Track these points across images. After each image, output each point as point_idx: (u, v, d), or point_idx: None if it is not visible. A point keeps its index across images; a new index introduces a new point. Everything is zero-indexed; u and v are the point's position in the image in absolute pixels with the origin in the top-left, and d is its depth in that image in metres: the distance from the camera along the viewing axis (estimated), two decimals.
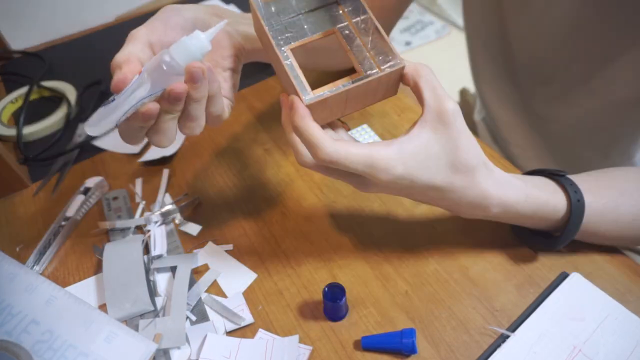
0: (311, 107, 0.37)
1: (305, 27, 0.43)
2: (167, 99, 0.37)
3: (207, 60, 0.44)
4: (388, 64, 0.39)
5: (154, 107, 0.37)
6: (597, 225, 0.44)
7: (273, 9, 0.42)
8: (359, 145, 0.37)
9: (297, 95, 0.37)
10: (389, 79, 0.39)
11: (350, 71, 0.41)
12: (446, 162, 0.39)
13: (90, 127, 0.38)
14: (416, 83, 0.39)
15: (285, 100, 0.39)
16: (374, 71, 0.39)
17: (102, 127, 0.38)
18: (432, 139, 0.38)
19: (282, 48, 0.41)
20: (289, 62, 0.41)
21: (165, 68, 0.37)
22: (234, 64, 0.45)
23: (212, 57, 0.44)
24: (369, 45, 0.41)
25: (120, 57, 0.38)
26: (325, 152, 0.36)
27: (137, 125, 0.39)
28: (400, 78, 0.40)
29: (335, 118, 0.41)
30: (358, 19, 0.42)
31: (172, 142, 0.41)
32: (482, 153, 0.40)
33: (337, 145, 0.36)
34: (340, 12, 0.43)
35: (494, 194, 0.41)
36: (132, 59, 0.38)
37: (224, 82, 0.44)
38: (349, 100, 0.39)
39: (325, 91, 0.39)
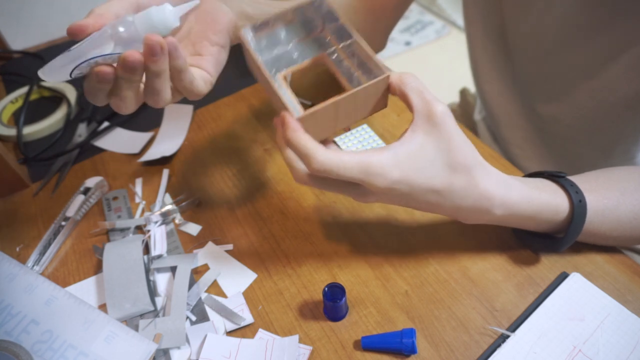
0: (302, 121, 0.38)
1: (295, 55, 0.45)
2: (121, 66, 0.36)
3: (198, 33, 0.43)
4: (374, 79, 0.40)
5: (108, 70, 0.36)
6: (599, 225, 0.44)
7: (264, 42, 0.44)
8: (352, 153, 0.37)
9: (288, 111, 0.38)
10: (375, 90, 0.40)
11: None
12: (442, 163, 0.39)
13: (45, 73, 0.36)
14: (402, 91, 0.40)
15: (278, 120, 0.39)
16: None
17: (56, 76, 0.36)
18: (425, 142, 0.38)
19: (275, 77, 0.42)
20: (283, 89, 0.42)
21: (122, 30, 0.35)
22: (223, 40, 0.44)
23: (203, 30, 0.43)
24: (356, 65, 0.43)
25: (97, 8, 0.37)
26: (319, 161, 0.36)
27: (95, 86, 0.37)
28: (387, 89, 0.41)
29: (329, 134, 0.41)
30: (344, 43, 0.44)
31: (131, 110, 0.40)
32: (477, 153, 0.40)
33: (329, 153, 0.37)
34: (328, 39, 0.44)
35: (495, 194, 0.41)
36: (108, 14, 0.37)
37: (209, 56, 0.43)
38: (339, 114, 0.40)
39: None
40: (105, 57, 0.35)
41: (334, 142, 0.43)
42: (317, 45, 0.45)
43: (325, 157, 0.36)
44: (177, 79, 0.40)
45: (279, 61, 0.44)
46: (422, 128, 0.39)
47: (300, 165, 0.39)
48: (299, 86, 0.43)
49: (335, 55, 0.44)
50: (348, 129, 0.60)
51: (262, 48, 0.44)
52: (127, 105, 0.39)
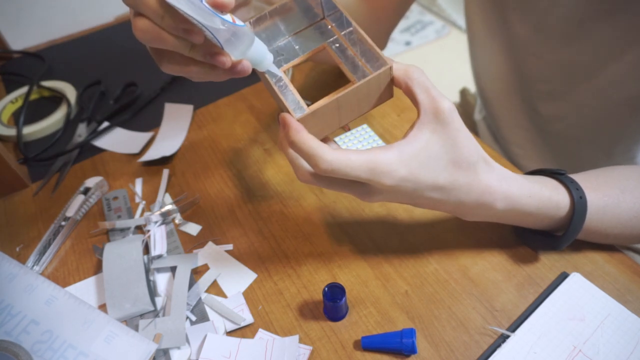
0: (303, 121, 0.37)
1: (296, 47, 0.44)
2: (198, 38, 0.33)
3: None
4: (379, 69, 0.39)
5: (196, 35, 0.33)
6: (599, 223, 0.44)
7: (263, 35, 0.43)
8: (359, 152, 0.37)
9: (289, 112, 0.37)
10: (378, 82, 0.39)
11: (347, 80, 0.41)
12: (447, 161, 0.39)
13: None
14: (408, 86, 0.39)
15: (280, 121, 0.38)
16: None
17: None
18: (431, 140, 0.38)
19: (279, 70, 0.41)
20: (282, 83, 0.41)
21: (225, 30, 0.33)
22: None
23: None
24: (359, 54, 0.42)
25: None
26: (327, 161, 0.36)
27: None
28: (391, 80, 0.40)
29: (332, 130, 0.41)
30: (345, 31, 0.43)
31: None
32: (481, 149, 0.40)
33: (336, 153, 0.36)
34: (329, 27, 0.43)
35: (497, 188, 0.41)
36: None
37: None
38: (342, 110, 0.39)
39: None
40: (196, 17, 0.32)
41: (334, 142, 0.43)
42: (319, 33, 0.44)
43: (332, 157, 0.36)
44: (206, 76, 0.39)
45: (280, 54, 0.44)
46: (428, 126, 0.38)
47: (304, 165, 0.39)
48: (301, 86, 0.42)
49: (337, 44, 0.43)
50: (348, 129, 0.60)
51: (262, 41, 0.42)
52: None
